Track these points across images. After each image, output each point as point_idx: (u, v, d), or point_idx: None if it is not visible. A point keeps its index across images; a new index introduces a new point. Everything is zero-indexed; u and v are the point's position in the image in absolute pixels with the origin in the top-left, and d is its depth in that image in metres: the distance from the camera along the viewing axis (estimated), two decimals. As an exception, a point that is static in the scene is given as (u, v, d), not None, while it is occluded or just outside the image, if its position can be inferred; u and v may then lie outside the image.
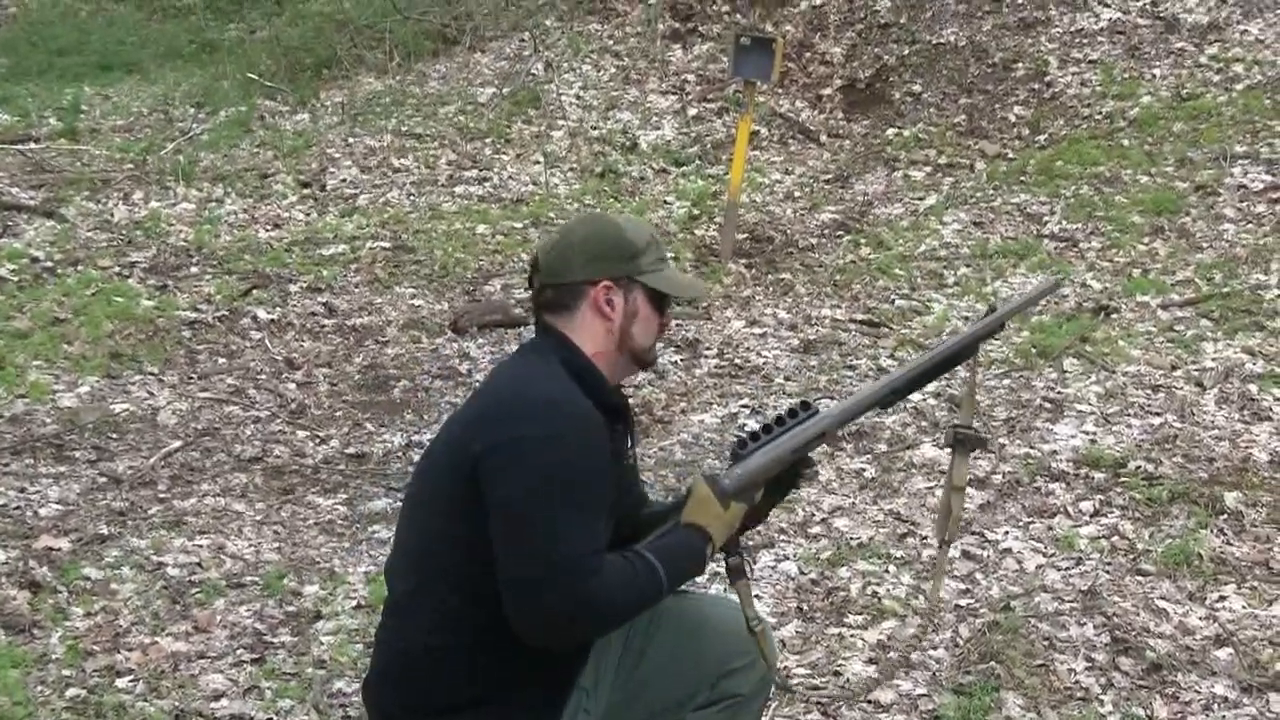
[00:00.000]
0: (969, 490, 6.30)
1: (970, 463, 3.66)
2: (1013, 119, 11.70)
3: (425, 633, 3.29)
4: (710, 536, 3.30)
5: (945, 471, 3.89)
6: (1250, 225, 9.31)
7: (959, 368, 3.68)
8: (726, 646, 3.57)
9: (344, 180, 11.50)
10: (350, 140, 12.31)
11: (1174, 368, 7.51)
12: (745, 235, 10.33)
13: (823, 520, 6.12)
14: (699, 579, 3.56)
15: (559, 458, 3.09)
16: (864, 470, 6.61)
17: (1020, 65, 12.30)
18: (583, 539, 3.07)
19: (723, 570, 3.64)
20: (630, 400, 7.00)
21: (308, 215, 10.80)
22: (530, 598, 3.06)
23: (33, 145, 12.56)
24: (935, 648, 5.06)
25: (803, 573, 5.66)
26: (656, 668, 3.56)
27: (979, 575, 5.59)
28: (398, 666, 3.35)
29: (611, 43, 14.12)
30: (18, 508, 6.18)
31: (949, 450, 3.61)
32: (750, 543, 5.93)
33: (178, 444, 6.98)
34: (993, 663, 4.88)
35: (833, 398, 7.38)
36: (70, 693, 4.82)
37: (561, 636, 3.15)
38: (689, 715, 3.59)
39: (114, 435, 7.05)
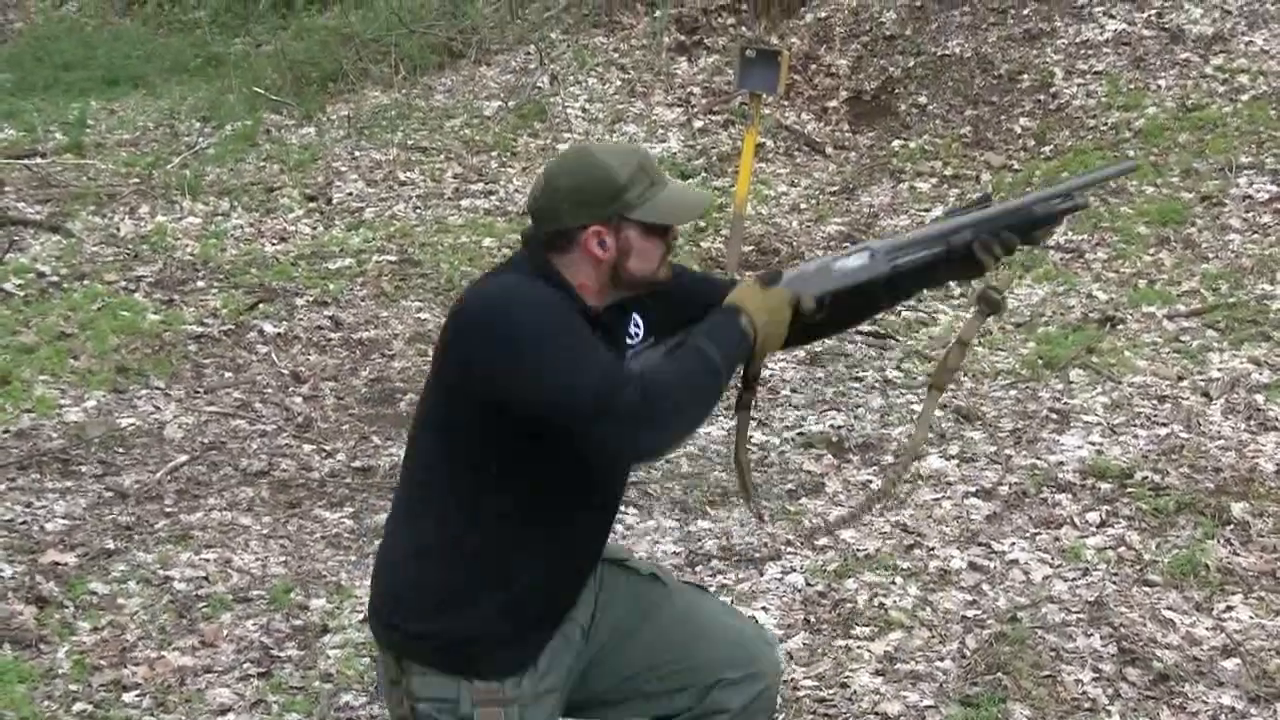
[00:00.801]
0: (975, 501, 6.31)
1: (982, 324, 3.66)
2: (1018, 130, 11.70)
3: (402, 542, 3.38)
4: (747, 311, 3.33)
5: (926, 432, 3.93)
6: (1256, 235, 9.31)
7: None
8: (724, 654, 3.54)
9: (350, 194, 11.51)
10: (356, 154, 12.33)
11: (1180, 378, 7.51)
12: (751, 247, 10.33)
13: (829, 532, 6.12)
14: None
15: (530, 319, 3.14)
16: (871, 482, 6.61)
17: (1026, 77, 12.30)
18: (594, 365, 3.10)
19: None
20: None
21: (314, 229, 10.81)
22: (588, 437, 3.09)
23: (39, 160, 12.58)
24: (942, 659, 5.06)
25: (809, 585, 5.66)
26: (648, 649, 3.54)
27: (985, 586, 5.58)
28: (385, 575, 3.42)
29: (617, 56, 14.14)
30: (24, 523, 6.19)
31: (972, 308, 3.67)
32: (757, 555, 5.94)
33: (184, 458, 6.99)
34: (999, 674, 4.88)
35: (839, 409, 7.39)
36: (77, 708, 4.83)
37: (640, 449, 3.20)
38: None
39: (120, 450, 7.06)
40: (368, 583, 5.67)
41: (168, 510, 6.43)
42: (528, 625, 3.33)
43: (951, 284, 3.62)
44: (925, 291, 3.69)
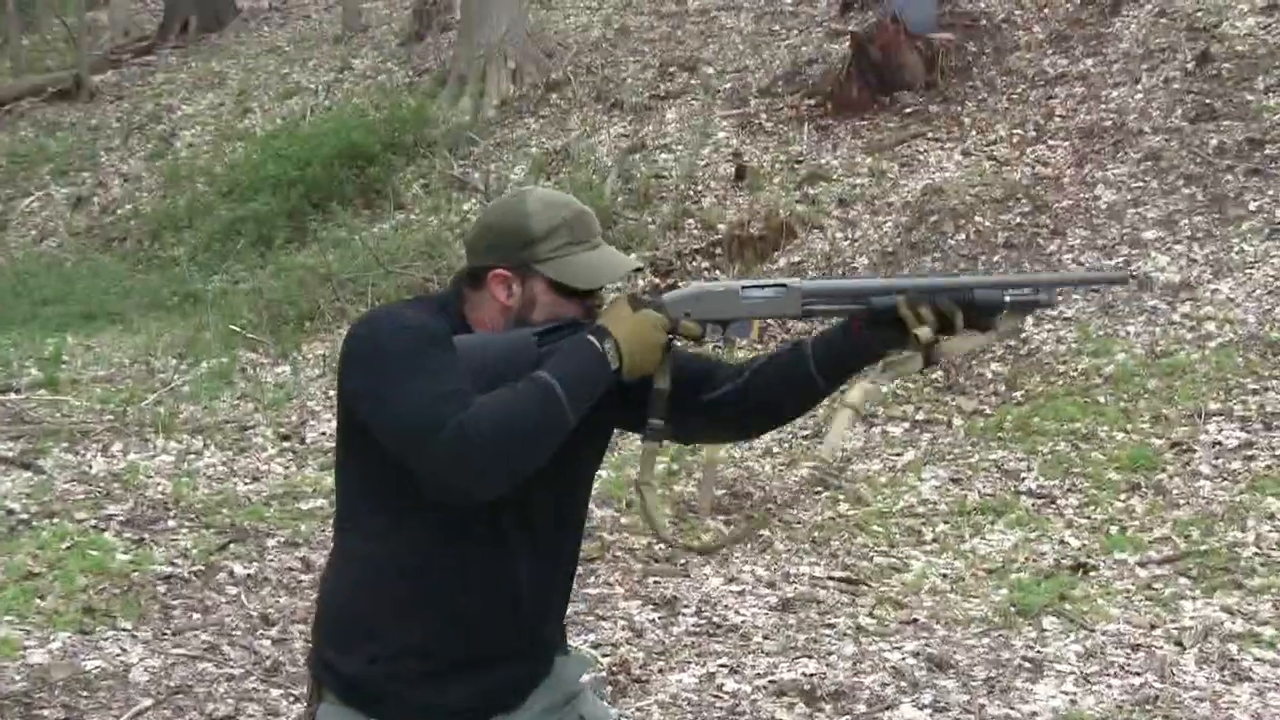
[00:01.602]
0: (949, 753, 6.26)
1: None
2: (989, 375, 11.79)
3: (328, 570, 3.54)
4: (610, 332, 3.18)
5: None
6: (1226, 482, 9.35)
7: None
8: None
9: (323, 433, 11.54)
10: (330, 393, 12.37)
11: (1153, 626, 7.49)
12: (724, 491, 10.34)
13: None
14: None
15: (389, 340, 3.12)
16: (843, 732, 6.55)
17: (995, 322, 12.41)
18: (426, 396, 3.03)
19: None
20: (607, 659, 6.96)
21: (286, 469, 10.82)
22: (418, 461, 3.04)
23: (13, 396, 12.62)
24: None
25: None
26: None
27: (960, 842, 5.51)
28: (319, 600, 3.56)
29: (592, 297, 14.28)
30: (-17, 770, 6.10)
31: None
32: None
33: (149, 703, 6.90)
34: None
35: (810, 656, 7.34)
36: None
37: (468, 481, 3.05)
38: None
39: (84, 693, 6.97)
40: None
41: (130, 758, 6.35)
42: (431, 675, 3.27)
43: (876, 365, 3.35)
44: (846, 371, 3.51)
